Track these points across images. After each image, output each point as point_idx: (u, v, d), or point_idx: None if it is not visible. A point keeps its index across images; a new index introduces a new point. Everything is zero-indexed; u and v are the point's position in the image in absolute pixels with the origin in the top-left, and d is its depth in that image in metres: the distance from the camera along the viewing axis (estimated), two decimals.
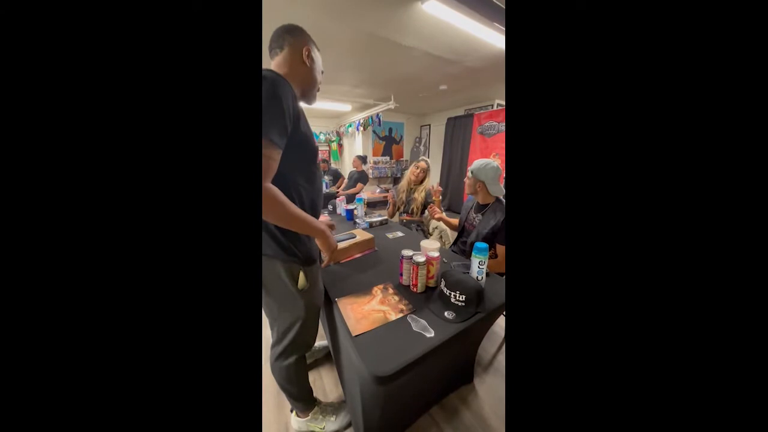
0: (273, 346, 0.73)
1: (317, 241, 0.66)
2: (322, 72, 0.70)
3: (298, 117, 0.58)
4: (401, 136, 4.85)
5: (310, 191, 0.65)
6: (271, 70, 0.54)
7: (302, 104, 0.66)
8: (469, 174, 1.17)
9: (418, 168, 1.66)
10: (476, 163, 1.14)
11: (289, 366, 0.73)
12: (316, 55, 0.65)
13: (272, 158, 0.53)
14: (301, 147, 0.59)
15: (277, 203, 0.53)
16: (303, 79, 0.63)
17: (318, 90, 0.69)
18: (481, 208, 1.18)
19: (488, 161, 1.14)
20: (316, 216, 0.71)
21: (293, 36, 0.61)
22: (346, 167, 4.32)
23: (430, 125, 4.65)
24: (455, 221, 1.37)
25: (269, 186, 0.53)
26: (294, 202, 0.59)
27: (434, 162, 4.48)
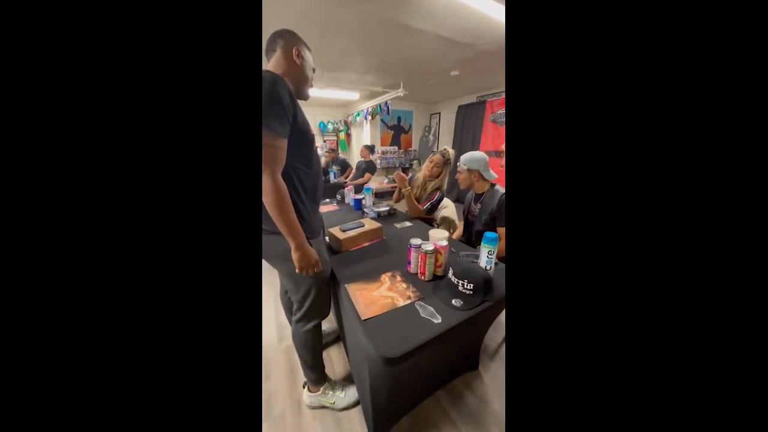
0: (294, 312, 0.82)
1: (292, 253, 0.65)
2: (314, 70, 0.77)
3: (296, 109, 0.64)
4: (410, 125, 4.74)
5: (309, 174, 0.72)
6: (269, 71, 0.61)
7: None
8: (462, 167, 1.21)
9: (431, 162, 1.49)
10: (466, 156, 1.21)
11: (308, 332, 0.82)
12: (306, 54, 0.72)
13: (280, 147, 0.60)
14: (299, 136, 0.66)
15: (284, 202, 0.60)
16: (295, 76, 0.70)
17: (311, 86, 0.76)
18: (479, 197, 1.24)
19: (474, 152, 1.22)
20: (317, 199, 0.79)
21: (284, 39, 0.68)
22: (354, 157, 4.29)
23: (440, 113, 4.51)
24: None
25: (281, 181, 0.60)
26: (295, 184, 0.68)
27: None
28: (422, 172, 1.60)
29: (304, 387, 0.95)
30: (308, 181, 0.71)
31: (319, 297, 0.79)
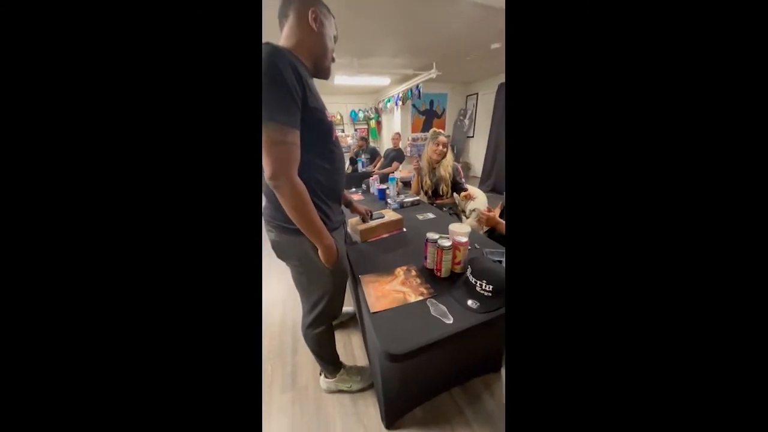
0: (304, 316, 0.80)
1: (319, 252, 0.62)
2: (336, 38, 0.63)
3: (305, 90, 0.52)
4: (443, 109, 4.46)
5: (330, 171, 0.62)
6: (268, 43, 0.49)
7: (318, 81, 0.62)
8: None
9: (438, 144, 1.52)
10: None
11: (319, 334, 0.81)
12: (327, 19, 0.59)
13: (291, 142, 0.50)
14: (313, 123, 0.54)
15: (304, 205, 0.53)
16: (312, 47, 0.57)
17: (333, 61, 0.63)
18: None
19: None
20: (339, 198, 0.71)
21: (298, 0, 0.56)
22: (385, 145, 4.24)
23: (477, 94, 4.12)
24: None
25: (298, 182, 0.52)
26: (313, 185, 0.57)
27: (480, 136, 4.04)
28: (427, 154, 1.57)
29: (320, 374, 0.98)
30: (328, 178, 0.61)
31: (330, 303, 0.73)
